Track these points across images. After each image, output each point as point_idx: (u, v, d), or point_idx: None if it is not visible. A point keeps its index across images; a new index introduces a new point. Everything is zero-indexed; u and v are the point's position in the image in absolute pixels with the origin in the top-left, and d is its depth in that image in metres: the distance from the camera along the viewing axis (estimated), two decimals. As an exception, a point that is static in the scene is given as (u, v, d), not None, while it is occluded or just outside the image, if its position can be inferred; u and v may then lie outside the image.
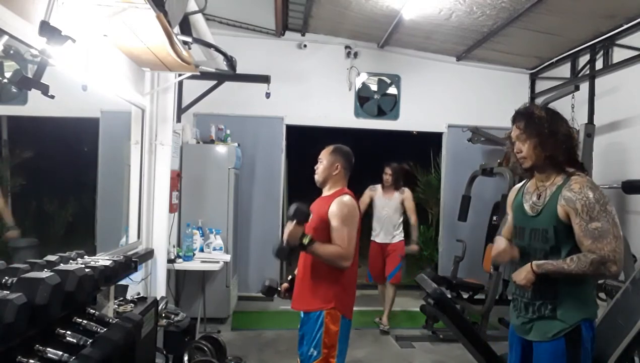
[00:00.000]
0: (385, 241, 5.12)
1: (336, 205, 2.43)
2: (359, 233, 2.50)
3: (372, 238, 5.21)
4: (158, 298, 3.04)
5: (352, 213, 2.44)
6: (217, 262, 4.40)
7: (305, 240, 2.30)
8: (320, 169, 2.58)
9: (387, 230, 5.12)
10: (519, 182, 2.30)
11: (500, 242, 2.17)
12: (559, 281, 1.97)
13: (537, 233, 2.02)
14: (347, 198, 2.47)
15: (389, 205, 5.12)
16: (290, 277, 2.73)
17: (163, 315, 3.22)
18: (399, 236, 5.16)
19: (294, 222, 2.31)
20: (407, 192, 5.18)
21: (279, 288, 2.71)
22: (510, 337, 2.21)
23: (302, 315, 2.51)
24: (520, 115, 2.06)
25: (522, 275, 2.00)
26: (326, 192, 2.57)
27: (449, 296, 4.80)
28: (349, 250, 2.37)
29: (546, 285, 2.00)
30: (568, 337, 1.95)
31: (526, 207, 2.09)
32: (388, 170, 5.14)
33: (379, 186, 5.19)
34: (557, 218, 1.95)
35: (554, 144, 1.98)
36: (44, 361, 1.31)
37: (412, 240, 5.15)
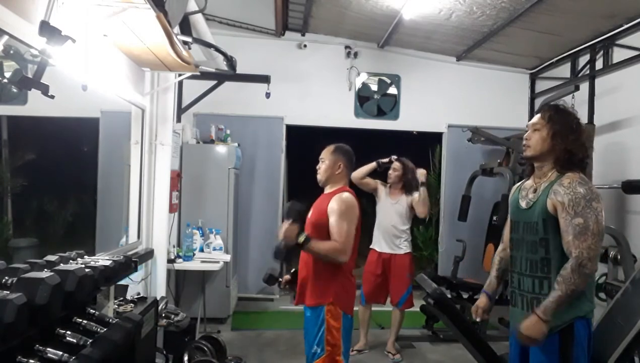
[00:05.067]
0: (387, 251, 4.30)
1: (335, 201, 2.46)
2: (358, 231, 2.51)
3: (371, 246, 4.40)
4: (158, 298, 3.04)
5: (351, 209, 2.46)
6: (217, 262, 4.39)
7: (301, 239, 2.31)
8: (322, 168, 2.61)
9: (388, 238, 4.31)
10: (519, 182, 2.35)
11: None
12: (552, 278, 2.00)
13: (529, 225, 2.10)
14: (346, 195, 2.50)
15: (394, 209, 4.29)
16: (293, 270, 2.75)
17: (163, 315, 3.22)
18: (405, 247, 4.30)
19: (289, 221, 2.32)
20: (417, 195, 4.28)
21: (280, 279, 2.73)
22: (511, 332, 2.25)
23: (305, 314, 2.52)
24: (549, 106, 2.15)
25: (533, 330, 1.93)
26: (327, 190, 2.61)
27: (449, 296, 4.83)
28: (346, 244, 2.39)
29: (540, 281, 2.05)
30: (562, 333, 1.99)
31: (521, 202, 2.17)
32: (397, 165, 4.29)
33: (387, 186, 4.40)
34: (547, 211, 2.02)
35: (575, 141, 2.04)
36: (44, 361, 1.31)
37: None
